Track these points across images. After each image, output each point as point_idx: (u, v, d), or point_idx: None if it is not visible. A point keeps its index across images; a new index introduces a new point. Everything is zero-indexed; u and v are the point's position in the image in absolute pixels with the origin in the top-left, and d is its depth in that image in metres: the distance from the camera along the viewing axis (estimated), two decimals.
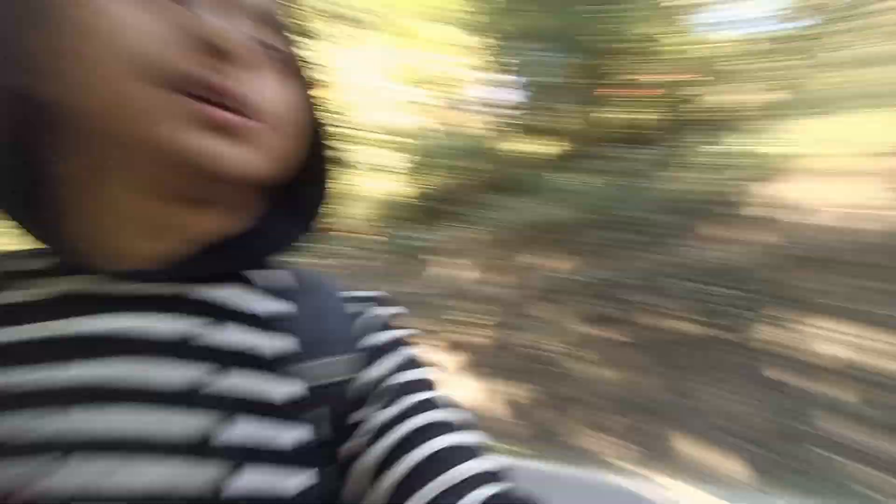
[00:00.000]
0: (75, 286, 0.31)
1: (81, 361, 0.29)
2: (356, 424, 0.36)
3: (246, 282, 0.36)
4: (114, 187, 0.32)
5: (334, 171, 0.41)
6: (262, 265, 0.37)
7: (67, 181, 0.33)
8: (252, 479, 0.30)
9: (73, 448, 0.27)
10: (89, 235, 0.33)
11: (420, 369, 0.39)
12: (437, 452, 0.32)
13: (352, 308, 0.40)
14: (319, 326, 0.37)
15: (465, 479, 0.31)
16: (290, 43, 0.35)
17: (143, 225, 0.33)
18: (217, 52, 0.28)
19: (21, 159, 0.32)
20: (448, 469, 0.31)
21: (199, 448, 0.29)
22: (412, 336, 0.42)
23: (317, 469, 0.33)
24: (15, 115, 0.30)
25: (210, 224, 0.35)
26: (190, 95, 0.28)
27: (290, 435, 0.32)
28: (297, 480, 0.31)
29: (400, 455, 0.33)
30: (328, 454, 0.35)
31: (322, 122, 0.39)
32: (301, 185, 0.39)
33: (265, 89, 0.32)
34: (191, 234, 0.34)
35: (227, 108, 0.29)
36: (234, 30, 0.30)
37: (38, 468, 0.26)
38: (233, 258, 0.35)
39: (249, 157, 0.31)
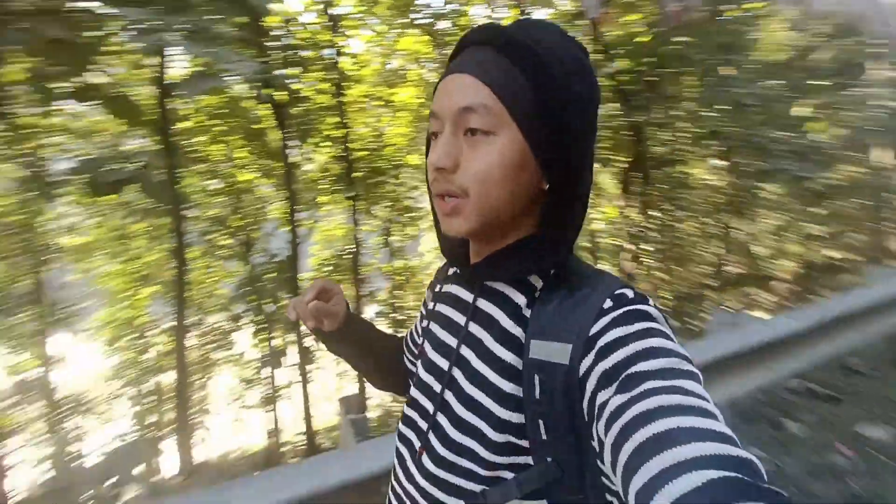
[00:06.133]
0: (459, 278, 0.64)
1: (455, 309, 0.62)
2: (598, 407, 0.42)
3: (519, 279, 0.56)
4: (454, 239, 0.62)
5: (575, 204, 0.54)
6: (534, 269, 0.54)
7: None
8: (467, 386, 0.54)
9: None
10: (462, 255, 0.62)
11: (658, 359, 0.41)
12: (664, 432, 0.35)
13: (602, 304, 0.48)
14: (555, 317, 0.50)
15: (690, 460, 0.32)
16: (495, 116, 0.49)
17: (471, 249, 0.61)
18: (438, 169, 0.52)
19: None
20: (672, 448, 0.33)
21: (451, 356, 0.57)
22: (659, 328, 0.45)
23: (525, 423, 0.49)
24: None
25: (491, 247, 0.57)
26: (439, 196, 0.54)
27: (504, 382, 0.52)
28: (503, 414, 0.50)
29: (629, 435, 0.37)
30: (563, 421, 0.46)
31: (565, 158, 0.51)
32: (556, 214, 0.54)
33: (469, 168, 0.51)
34: (484, 252, 0.58)
35: (451, 195, 0.52)
36: (443, 148, 0.51)
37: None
38: (502, 267, 0.56)
39: (461, 221, 0.53)
